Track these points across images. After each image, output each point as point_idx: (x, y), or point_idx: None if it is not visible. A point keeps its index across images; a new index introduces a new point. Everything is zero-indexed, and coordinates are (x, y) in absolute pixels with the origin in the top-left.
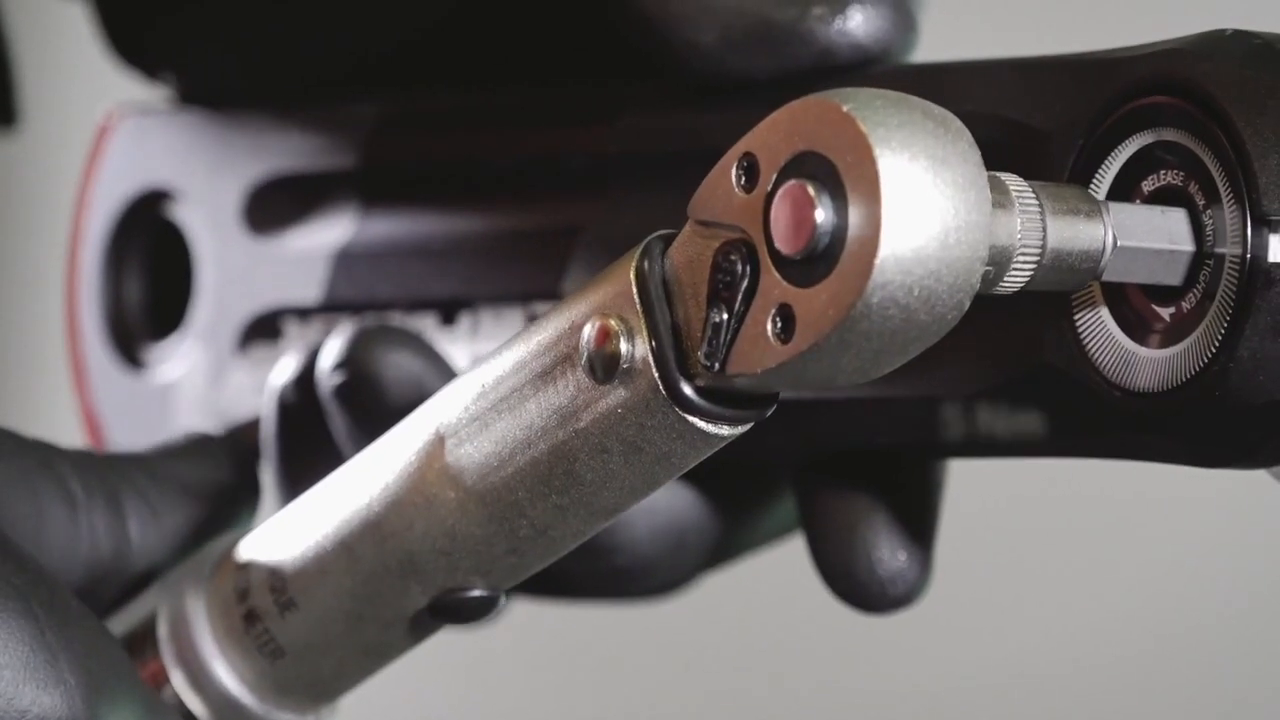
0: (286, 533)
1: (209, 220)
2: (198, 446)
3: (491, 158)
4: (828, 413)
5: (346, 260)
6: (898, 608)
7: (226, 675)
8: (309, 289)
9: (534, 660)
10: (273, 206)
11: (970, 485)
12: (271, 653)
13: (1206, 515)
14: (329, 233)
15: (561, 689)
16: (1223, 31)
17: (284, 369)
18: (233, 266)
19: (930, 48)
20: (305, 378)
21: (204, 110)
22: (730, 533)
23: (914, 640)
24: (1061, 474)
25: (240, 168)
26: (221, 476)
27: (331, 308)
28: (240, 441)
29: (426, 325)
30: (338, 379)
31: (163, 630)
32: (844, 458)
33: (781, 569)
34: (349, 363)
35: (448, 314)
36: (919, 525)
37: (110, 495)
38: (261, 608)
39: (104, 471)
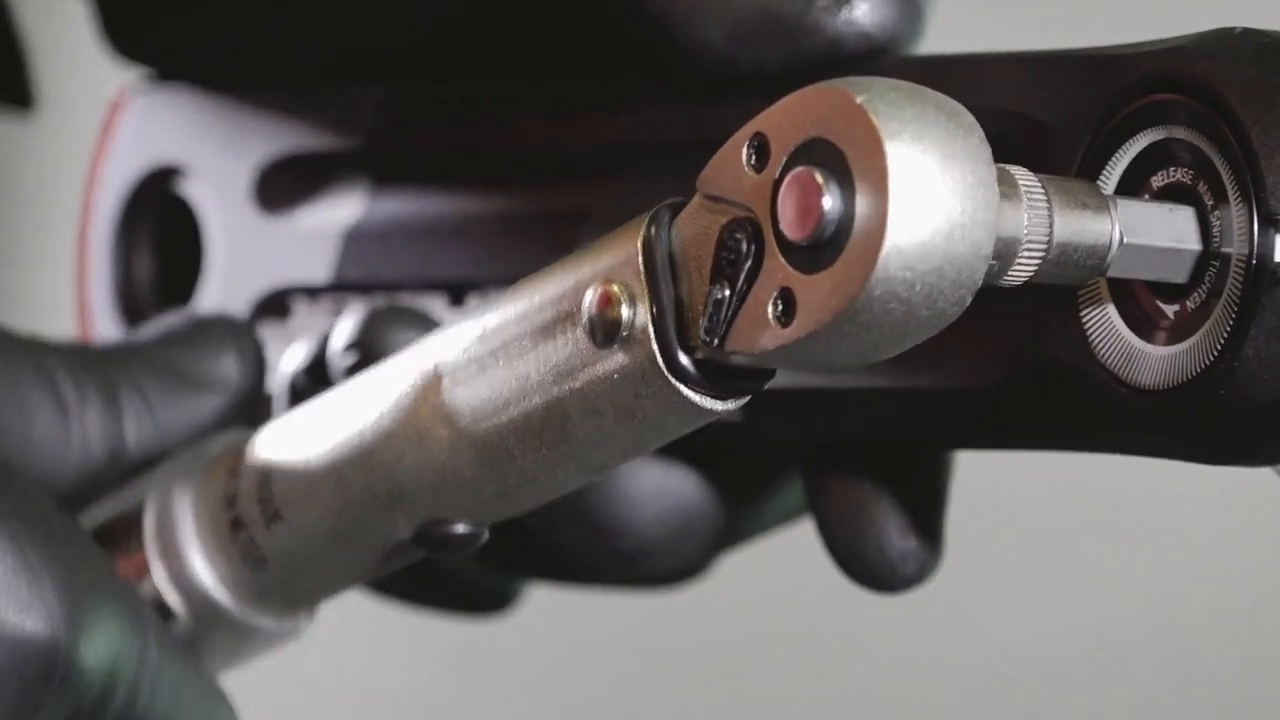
0: (280, 445)
1: (219, 197)
2: (200, 331)
3: (503, 141)
4: (833, 406)
5: (356, 240)
6: (909, 587)
7: (208, 576)
8: (319, 268)
9: (538, 650)
10: (283, 184)
11: (974, 479)
12: (254, 561)
13: (1211, 513)
14: (339, 212)
15: (568, 682)
16: (1231, 30)
17: (295, 355)
18: (242, 244)
19: (938, 40)
20: (317, 363)
21: (216, 88)
22: (738, 517)
23: (920, 633)
24: (1066, 469)
25: (252, 145)
26: (224, 365)
27: (341, 287)
28: (248, 326)
29: (436, 306)
30: (350, 359)
31: (149, 523)
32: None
33: (787, 557)
34: (361, 343)
35: (457, 295)
36: (928, 505)
37: (105, 392)
38: (248, 516)
39: (100, 367)
